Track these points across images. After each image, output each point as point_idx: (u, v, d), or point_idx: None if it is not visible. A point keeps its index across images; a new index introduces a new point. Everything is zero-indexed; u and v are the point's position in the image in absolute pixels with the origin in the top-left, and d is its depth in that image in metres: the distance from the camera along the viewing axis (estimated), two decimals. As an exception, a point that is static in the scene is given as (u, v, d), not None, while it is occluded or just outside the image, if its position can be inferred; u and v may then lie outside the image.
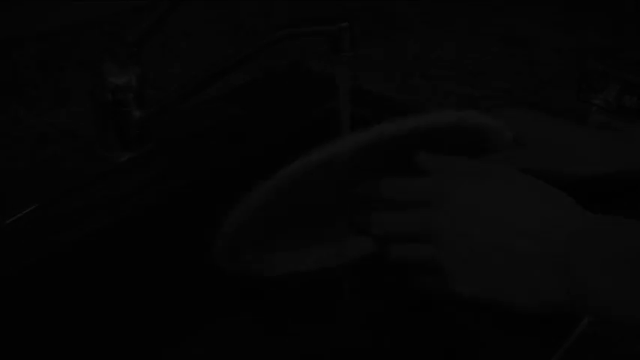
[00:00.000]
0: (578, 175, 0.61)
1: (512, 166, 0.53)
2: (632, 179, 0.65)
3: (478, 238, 0.47)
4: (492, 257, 0.47)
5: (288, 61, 0.98)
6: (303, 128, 0.83)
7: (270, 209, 0.56)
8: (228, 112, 0.81)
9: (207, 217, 0.75)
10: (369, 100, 0.85)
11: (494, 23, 1.14)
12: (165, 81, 0.92)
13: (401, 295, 0.70)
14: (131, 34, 0.68)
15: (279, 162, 0.57)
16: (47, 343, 0.64)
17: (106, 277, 0.67)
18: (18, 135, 0.78)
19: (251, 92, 0.89)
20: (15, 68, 0.78)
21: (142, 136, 0.72)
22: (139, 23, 0.69)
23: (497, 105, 0.62)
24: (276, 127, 0.76)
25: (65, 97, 0.83)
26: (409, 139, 0.53)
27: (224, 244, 0.60)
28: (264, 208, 0.56)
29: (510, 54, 1.02)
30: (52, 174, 0.70)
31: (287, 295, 0.74)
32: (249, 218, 0.57)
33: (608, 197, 0.61)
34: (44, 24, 0.81)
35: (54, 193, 0.66)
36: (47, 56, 0.80)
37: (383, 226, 0.53)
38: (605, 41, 1.05)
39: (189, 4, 0.93)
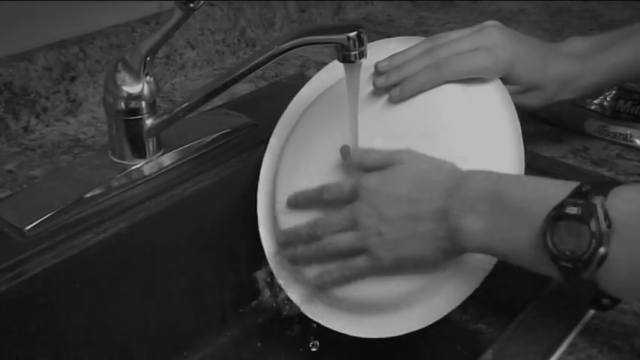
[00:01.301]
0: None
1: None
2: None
3: (387, 213, 0.61)
4: (399, 225, 0.60)
5: (291, 71, 1.00)
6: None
7: None
8: (234, 121, 0.83)
9: (216, 222, 0.77)
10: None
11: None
12: (171, 90, 0.94)
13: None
14: (143, 43, 0.69)
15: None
16: (59, 339, 0.66)
17: (119, 280, 0.69)
18: (30, 144, 0.80)
19: (255, 101, 0.91)
20: (26, 79, 0.79)
21: (153, 144, 0.73)
22: (148, 33, 0.70)
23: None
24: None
25: (76, 107, 0.85)
26: None
27: None
28: None
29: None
30: (66, 182, 0.71)
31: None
32: None
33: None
34: (54, 35, 0.83)
35: (69, 200, 0.68)
36: (58, 67, 0.81)
37: (326, 227, 0.65)
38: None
39: (193, 16, 0.95)
